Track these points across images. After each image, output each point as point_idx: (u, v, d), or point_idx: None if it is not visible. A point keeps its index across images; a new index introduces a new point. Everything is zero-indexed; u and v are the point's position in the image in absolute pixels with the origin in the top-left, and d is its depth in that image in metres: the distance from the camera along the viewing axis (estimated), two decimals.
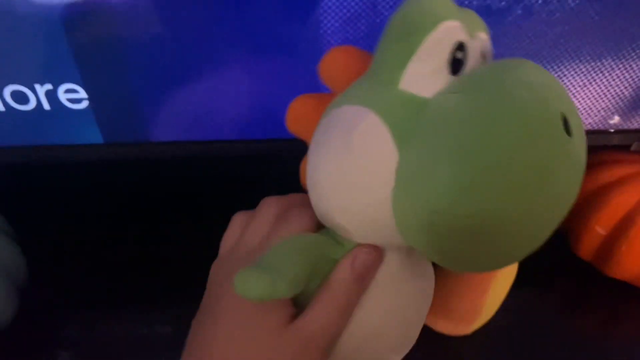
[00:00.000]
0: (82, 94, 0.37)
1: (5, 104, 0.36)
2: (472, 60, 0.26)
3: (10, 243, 0.41)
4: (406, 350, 0.31)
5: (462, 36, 0.25)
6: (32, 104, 0.37)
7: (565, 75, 0.42)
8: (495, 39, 0.29)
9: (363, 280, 0.27)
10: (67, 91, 0.37)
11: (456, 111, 0.24)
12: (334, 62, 0.28)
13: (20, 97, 0.37)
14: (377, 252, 0.27)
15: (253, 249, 0.29)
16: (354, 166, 0.25)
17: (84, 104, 0.38)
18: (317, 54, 0.31)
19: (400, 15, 0.25)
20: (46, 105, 0.37)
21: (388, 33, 0.26)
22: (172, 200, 0.47)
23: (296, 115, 0.30)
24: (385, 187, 0.25)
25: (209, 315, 0.28)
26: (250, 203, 0.31)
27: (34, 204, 0.49)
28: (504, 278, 0.36)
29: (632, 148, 0.49)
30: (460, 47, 0.25)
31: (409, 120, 0.25)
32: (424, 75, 0.25)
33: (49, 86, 0.36)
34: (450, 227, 0.23)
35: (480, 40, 0.27)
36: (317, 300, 0.27)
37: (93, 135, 0.40)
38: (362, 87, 0.27)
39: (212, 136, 0.42)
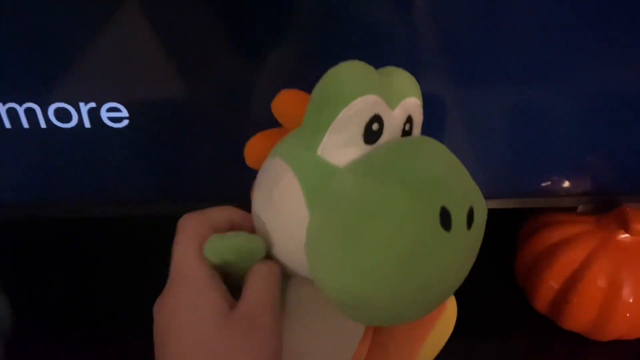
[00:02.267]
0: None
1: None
2: (390, 131, 0.28)
3: None
4: None
5: (378, 109, 0.27)
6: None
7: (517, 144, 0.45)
8: None
9: None
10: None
11: (344, 194, 0.25)
12: (283, 103, 0.29)
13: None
14: None
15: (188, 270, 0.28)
16: (274, 217, 0.28)
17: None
18: None
19: (320, 86, 0.26)
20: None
21: (311, 100, 0.27)
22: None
23: (252, 152, 0.31)
24: (299, 242, 0.26)
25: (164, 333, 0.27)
26: None
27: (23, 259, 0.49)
28: (442, 327, 0.36)
29: (579, 210, 0.53)
30: (376, 119, 0.27)
31: (320, 186, 0.26)
32: (339, 144, 0.26)
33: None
34: (335, 297, 0.26)
35: (404, 108, 0.28)
36: (249, 281, 0.28)
37: None
38: (293, 142, 0.28)
39: None
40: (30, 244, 0.49)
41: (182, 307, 0.26)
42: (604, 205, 0.50)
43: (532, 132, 0.45)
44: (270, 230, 0.28)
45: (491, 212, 0.47)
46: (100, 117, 0.37)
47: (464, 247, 0.26)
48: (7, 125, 0.36)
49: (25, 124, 0.36)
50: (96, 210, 0.41)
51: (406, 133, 0.29)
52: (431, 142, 0.28)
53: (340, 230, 0.25)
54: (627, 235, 0.48)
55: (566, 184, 0.49)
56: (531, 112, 0.43)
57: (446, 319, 0.36)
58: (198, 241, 0.28)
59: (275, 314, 0.27)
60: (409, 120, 0.29)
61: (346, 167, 0.26)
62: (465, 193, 0.25)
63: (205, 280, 0.26)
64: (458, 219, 0.24)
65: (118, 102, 0.37)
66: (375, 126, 0.27)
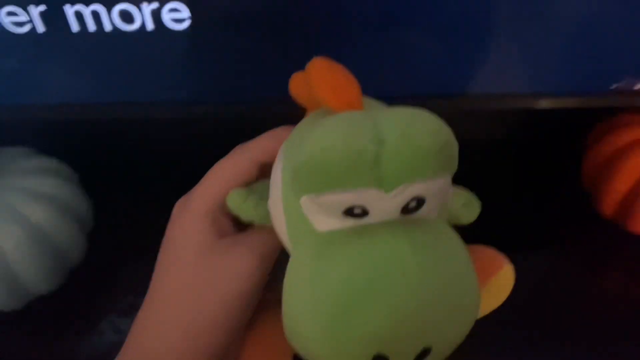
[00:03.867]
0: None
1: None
2: (382, 212, 0.23)
3: (76, 189, 0.44)
4: None
5: (361, 200, 0.22)
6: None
7: (586, 33, 0.42)
8: None
9: None
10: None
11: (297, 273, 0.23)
12: (297, 86, 0.28)
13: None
14: None
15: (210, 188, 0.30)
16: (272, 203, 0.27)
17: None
18: None
19: (293, 167, 0.23)
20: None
21: (288, 173, 0.24)
22: None
23: (295, 84, 0.29)
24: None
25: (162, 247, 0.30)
26: None
27: (100, 154, 0.52)
28: (489, 295, 0.33)
29: None
30: (357, 207, 0.22)
31: (301, 231, 0.24)
32: (316, 211, 0.23)
33: None
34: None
35: (405, 193, 0.22)
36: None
37: None
38: (293, 145, 0.26)
39: None
40: (103, 144, 0.52)
41: (178, 225, 0.29)
42: None
43: (604, 26, 0.42)
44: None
45: (560, 112, 0.47)
46: (161, 18, 0.37)
47: None
48: (75, 28, 0.38)
49: (92, 27, 0.37)
50: (161, 111, 0.43)
51: (410, 209, 0.23)
52: (407, 271, 0.22)
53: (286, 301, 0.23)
54: None
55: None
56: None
57: (495, 288, 0.33)
58: (228, 174, 0.29)
59: (267, 253, 0.28)
60: (418, 199, 0.23)
61: (321, 237, 0.23)
62: (419, 336, 0.22)
63: (201, 211, 0.28)
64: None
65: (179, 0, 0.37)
66: (357, 210, 0.22)
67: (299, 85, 0.28)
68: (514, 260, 0.35)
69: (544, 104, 0.47)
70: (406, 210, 0.23)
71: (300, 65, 0.27)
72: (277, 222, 0.26)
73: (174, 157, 0.49)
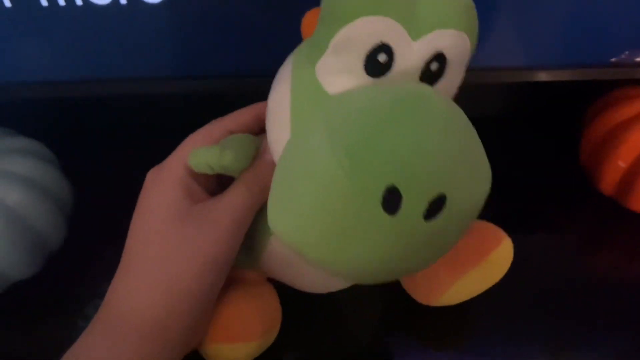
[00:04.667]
0: None
1: None
2: (405, 66, 0.23)
3: (55, 171, 0.43)
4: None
5: (388, 37, 0.22)
6: None
7: (585, 4, 0.41)
8: None
9: None
10: None
11: (293, 148, 0.23)
12: (306, 27, 0.27)
13: None
14: None
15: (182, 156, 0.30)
16: (268, 118, 0.27)
17: None
18: None
19: None
20: None
21: (321, 6, 0.23)
22: None
23: (306, 25, 0.28)
24: (278, 155, 0.25)
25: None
26: None
27: (78, 135, 0.51)
28: (488, 268, 0.34)
29: None
30: (383, 49, 0.22)
31: (304, 111, 0.24)
32: (336, 67, 0.23)
33: None
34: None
35: (431, 42, 0.22)
36: (240, 179, 0.29)
37: None
38: (306, 46, 0.26)
39: None
40: (81, 124, 0.51)
41: (152, 193, 0.29)
42: None
43: None
44: (266, 127, 0.27)
45: (558, 86, 0.45)
46: None
47: (416, 236, 0.22)
48: (44, 3, 0.36)
49: (62, 2, 0.36)
50: (133, 87, 0.42)
51: (432, 74, 0.24)
52: (432, 109, 0.22)
53: (284, 174, 0.23)
54: None
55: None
56: None
57: (495, 261, 0.33)
58: (200, 143, 0.30)
59: (239, 218, 0.28)
60: (439, 57, 0.23)
61: (336, 97, 0.23)
62: (436, 179, 0.21)
63: (174, 179, 0.29)
64: (411, 204, 0.21)
65: None
66: (382, 57, 0.22)
67: (311, 22, 0.27)
68: (511, 238, 0.34)
69: (542, 76, 0.46)
70: (427, 75, 0.23)
71: (282, 39, 0.27)
72: (276, 125, 0.26)
73: (156, 135, 0.48)
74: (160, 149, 0.31)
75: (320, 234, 0.21)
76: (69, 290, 0.41)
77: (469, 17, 0.23)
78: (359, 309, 0.39)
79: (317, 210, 0.21)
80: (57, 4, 0.36)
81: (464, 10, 0.23)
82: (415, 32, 0.22)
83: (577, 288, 0.42)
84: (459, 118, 0.23)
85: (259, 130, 0.31)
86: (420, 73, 0.23)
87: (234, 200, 0.28)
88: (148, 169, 0.31)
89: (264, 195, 0.29)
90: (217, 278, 0.29)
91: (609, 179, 0.47)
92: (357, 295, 0.36)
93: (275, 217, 0.23)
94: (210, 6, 0.38)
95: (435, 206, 0.21)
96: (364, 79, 0.23)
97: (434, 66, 0.23)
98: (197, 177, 0.29)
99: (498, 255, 0.33)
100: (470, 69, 0.44)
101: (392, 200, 0.20)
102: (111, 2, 0.36)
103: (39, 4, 0.36)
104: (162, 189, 0.29)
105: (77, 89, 0.42)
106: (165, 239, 0.28)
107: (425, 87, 0.23)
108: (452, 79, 0.25)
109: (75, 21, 0.38)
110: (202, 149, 0.28)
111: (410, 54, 0.23)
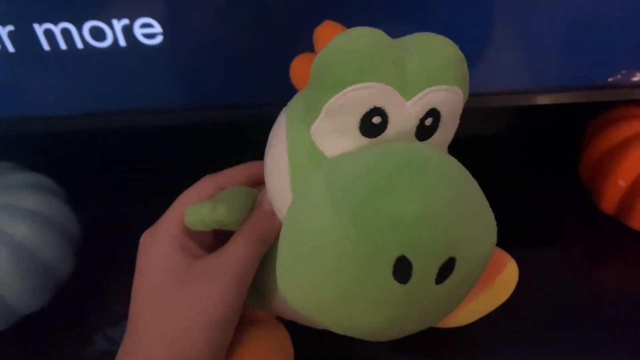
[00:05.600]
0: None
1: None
2: (400, 125, 0.23)
3: (62, 203, 0.43)
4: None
5: (381, 101, 0.22)
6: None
7: (581, 26, 0.41)
8: None
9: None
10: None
11: (296, 212, 0.23)
12: (298, 70, 0.28)
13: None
14: None
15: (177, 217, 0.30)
16: (267, 177, 0.27)
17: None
18: None
19: (316, 61, 0.22)
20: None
21: (311, 70, 0.23)
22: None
23: (295, 73, 0.29)
24: (282, 215, 0.25)
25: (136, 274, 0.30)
26: None
27: (85, 167, 0.52)
28: (494, 292, 0.34)
29: None
30: (377, 112, 0.22)
31: (303, 172, 0.24)
32: (332, 130, 0.23)
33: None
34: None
35: (424, 100, 0.22)
36: (239, 232, 0.29)
37: None
38: (299, 104, 0.25)
39: None
40: (86, 157, 0.52)
41: (148, 255, 0.29)
42: None
43: (600, 15, 0.41)
44: (266, 183, 0.27)
45: (556, 108, 0.45)
46: (134, 34, 0.37)
47: (428, 299, 0.22)
48: (46, 47, 0.37)
49: (63, 45, 0.37)
50: (136, 119, 0.43)
51: (426, 129, 0.23)
52: (432, 169, 0.22)
53: (290, 240, 0.22)
54: None
55: (638, 74, 0.44)
56: None
57: (502, 284, 0.33)
58: (193, 201, 0.30)
59: (241, 272, 0.28)
60: (432, 113, 0.23)
61: (333, 159, 0.23)
62: (445, 242, 0.21)
63: (169, 239, 0.29)
64: (422, 271, 0.20)
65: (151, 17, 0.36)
66: (376, 119, 0.22)
67: (300, 68, 0.27)
68: (512, 257, 0.34)
69: (540, 99, 0.46)
70: (422, 130, 0.23)
71: (269, 72, 0.27)
72: (275, 184, 0.26)
73: (160, 166, 0.49)
74: (165, 180, 0.32)
75: (330, 303, 0.21)
76: (77, 323, 0.42)
77: (459, 70, 0.23)
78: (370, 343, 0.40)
79: (326, 280, 0.21)
80: (58, 47, 0.37)
81: (454, 65, 0.23)
82: (408, 93, 0.22)
83: (579, 306, 0.42)
84: (458, 172, 0.23)
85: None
86: (415, 130, 0.23)
87: (234, 254, 0.28)
88: (154, 200, 0.31)
89: (264, 246, 0.29)
90: (223, 332, 0.28)
91: (609, 198, 0.47)
92: None
93: (285, 284, 0.23)
94: (205, 44, 0.39)
95: (447, 269, 0.21)
96: (360, 140, 0.23)
97: (429, 122, 0.23)
98: (193, 235, 0.29)
99: (504, 279, 0.33)
100: (474, 94, 0.45)
101: (402, 268, 0.20)
102: (111, 44, 0.37)
103: (42, 48, 0.37)
104: (159, 250, 0.29)
105: (82, 122, 0.43)
106: (168, 300, 0.27)
107: (422, 147, 0.23)
108: (447, 130, 0.25)
109: (77, 62, 0.38)
110: (197, 206, 0.28)
111: (404, 114, 0.23)
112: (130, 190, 0.50)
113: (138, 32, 0.37)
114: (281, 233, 0.23)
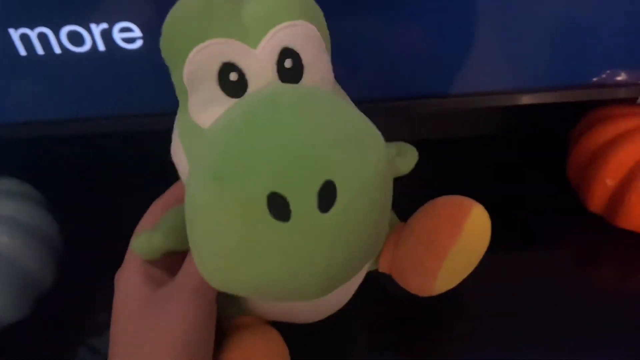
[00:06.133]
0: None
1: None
2: (258, 75, 0.23)
3: (43, 211, 0.42)
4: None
5: (228, 55, 0.22)
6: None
7: (565, 26, 0.41)
8: None
9: None
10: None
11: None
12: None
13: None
14: None
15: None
16: (178, 169, 0.27)
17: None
18: None
19: (161, 42, 0.23)
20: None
21: (162, 54, 0.24)
22: None
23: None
24: None
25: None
26: None
27: (65, 173, 0.51)
28: (468, 240, 0.32)
29: (638, 101, 0.49)
30: (230, 68, 0.22)
31: (194, 146, 0.24)
32: (202, 103, 0.23)
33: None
34: None
35: (273, 41, 0.22)
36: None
37: None
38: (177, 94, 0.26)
39: None
40: (67, 163, 0.51)
41: (119, 288, 0.30)
42: None
43: (585, 16, 0.41)
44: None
45: (542, 108, 0.45)
46: (113, 38, 0.36)
47: (323, 232, 0.21)
48: (22, 52, 0.36)
49: (40, 50, 0.36)
50: (117, 125, 0.43)
51: (290, 73, 0.23)
52: (287, 102, 0.21)
53: (188, 223, 0.23)
54: None
55: (623, 73, 0.45)
56: None
57: (472, 232, 0.32)
58: (146, 228, 0.30)
59: (196, 286, 0.28)
60: (288, 54, 0.23)
61: (207, 130, 0.23)
62: (313, 168, 0.20)
63: (134, 270, 0.29)
64: (299, 202, 0.20)
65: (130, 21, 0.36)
66: (232, 76, 0.22)
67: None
68: (500, 257, 0.34)
69: (526, 99, 0.46)
70: (285, 74, 0.23)
71: None
72: (183, 176, 0.26)
73: (142, 172, 0.48)
74: (147, 185, 0.32)
75: (232, 267, 0.21)
76: (59, 333, 0.41)
77: (301, 5, 0.23)
78: (361, 333, 0.40)
79: (215, 245, 0.21)
80: (35, 53, 0.37)
81: (292, 0, 0.23)
82: (252, 40, 0.22)
83: (567, 305, 0.42)
84: (323, 99, 0.22)
85: None
86: (277, 75, 0.23)
87: (187, 270, 0.29)
88: (136, 207, 0.32)
89: None
90: (195, 350, 0.28)
91: (597, 198, 0.47)
92: (356, 320, 0.37)
93: (200, 267, 0.23)
94: None
95: (327, 194, 0.20)
96: (229, 103, 0.23)
97: (288, 63, 0.23)
98: (156, 261, 0.30)
99: (473, 225, 0.32)
100: (462, 95, 0.45)
101: (277, 205, 0.19)
102: (90, 49, 0.37)
103: (17, 53, 0.37)
104: (125, 281, 0.30)
105: (61, 128, 0.42)
106: (138, 326, 0.28)
107: (277, 85, 0.23)
108: (318, 69, 0.24)
109: (55, 67, 0.38)
110: (138, 238, 0.28)
111: (257, 62, 0.22)
112: (113, 197, 0.50)
113: (117, 36, 0.36)
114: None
